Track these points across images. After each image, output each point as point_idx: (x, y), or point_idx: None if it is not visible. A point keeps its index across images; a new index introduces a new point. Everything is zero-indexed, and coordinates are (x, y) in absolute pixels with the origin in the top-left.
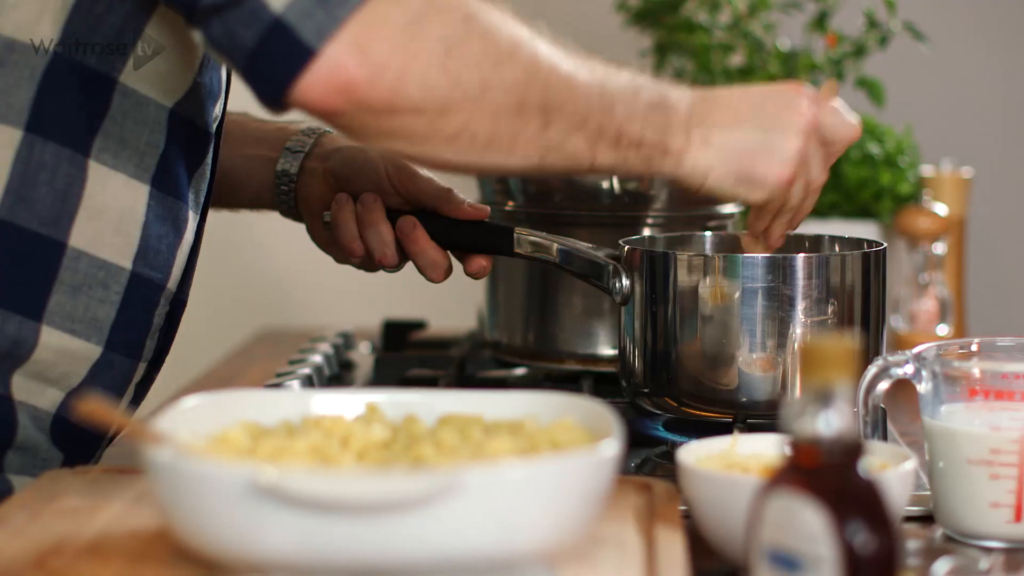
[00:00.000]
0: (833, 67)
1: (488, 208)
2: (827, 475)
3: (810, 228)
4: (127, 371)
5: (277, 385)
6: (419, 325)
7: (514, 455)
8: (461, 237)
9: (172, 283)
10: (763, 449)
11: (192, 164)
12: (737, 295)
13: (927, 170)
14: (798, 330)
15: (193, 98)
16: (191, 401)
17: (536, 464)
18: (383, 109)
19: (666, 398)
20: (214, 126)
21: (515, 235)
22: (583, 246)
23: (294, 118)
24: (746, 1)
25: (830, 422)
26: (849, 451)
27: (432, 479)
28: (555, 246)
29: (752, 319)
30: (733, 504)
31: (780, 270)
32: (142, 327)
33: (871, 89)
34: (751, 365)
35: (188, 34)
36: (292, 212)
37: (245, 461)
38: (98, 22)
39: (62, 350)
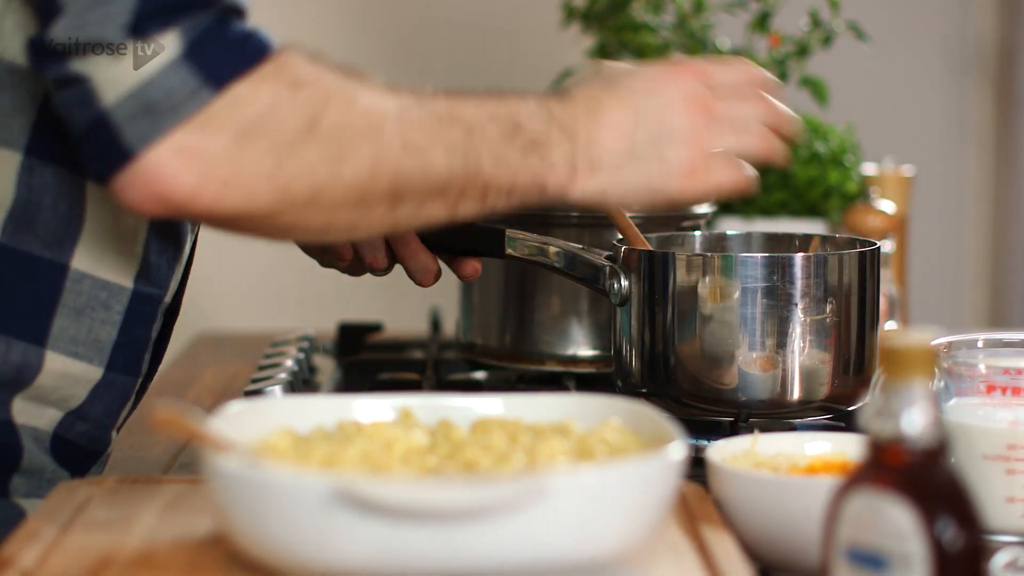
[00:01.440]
0: (777, 66)
1: None
2: (914, 473)
3: (762, 227)
4: (127, 389)
5: (258, 392)
6: (375, 327)
7: (568, 458)
8: (451, 240)
9: (169, 295)
10: (785, 448)
11: None
12: (736, 294)
13: (869, 169)
14: (797, 329)
15: None
16: (235, 407)
17: (618, 467)
18: (205, 216)
19: (665, 398)
20: None
21: (506, 237)
22: (576, 247)
23: None
24: (691, 1)
25: (914, 420)
26: (934, 448)
27: (518, 484)
28: (549, 248)
29: (752, 318)
30: (776, 504)
31: (779, 269)
32: (142, 344)
33: (815, 88)
34: (751, 364)
35: None
36: None
37: (315, 469)
38: None
39: (65, 374)
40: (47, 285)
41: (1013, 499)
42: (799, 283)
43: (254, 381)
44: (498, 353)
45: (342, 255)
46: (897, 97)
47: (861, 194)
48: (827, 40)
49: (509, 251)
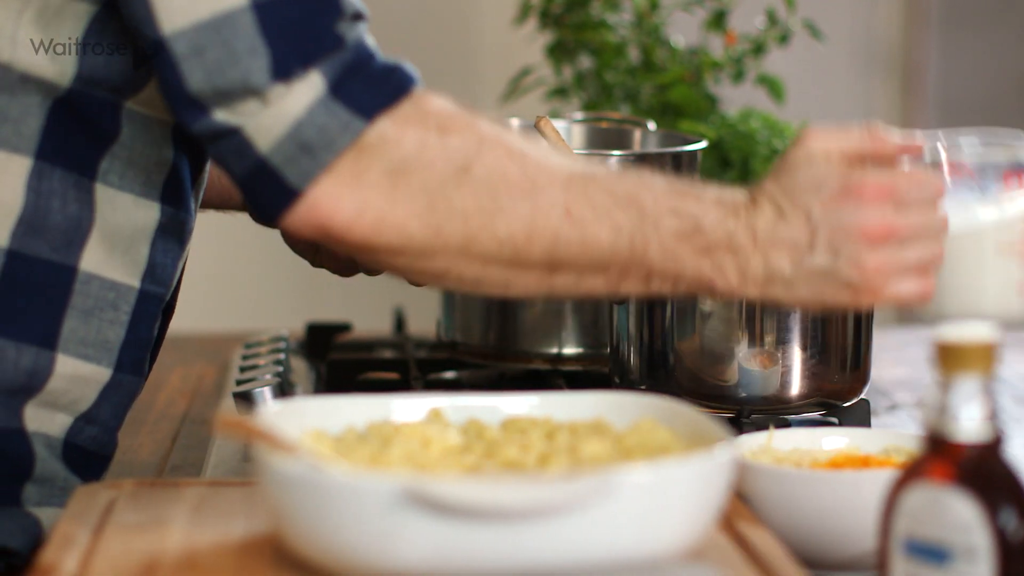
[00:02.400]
0: (733, 64)
1: None
2: (975, 465)
3: None
4: (133, 390)
5: (246, 394)
6: (344, 327)
7: (609, 457)
8: None
9: (169, 293)
10: (801, 444)
11: (195, 172)
12: None
13: None
14: (796, 325)
15: None
16: (274, 407)
17: (681, 465)
18: (362, 248)
19: (664, 394)
20: None
21: None
22: None
23: None
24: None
25: (973, 414)
26: (993, 441)
27: (587, 483)
28: None
29: (751, 314)
30: (811, 500)
31: None
32: (147, 344)
33: (771, 86)
34: (751, 360)
35: None
36: None
37: (381, 470)
38: (109, 59)
39: (75, 376)
40: (56, 288)
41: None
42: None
43: (239, 383)
44: (482, 351)
45: (336, 255)
46: (812, 93)
47: None
48: (783, 38)
49: None
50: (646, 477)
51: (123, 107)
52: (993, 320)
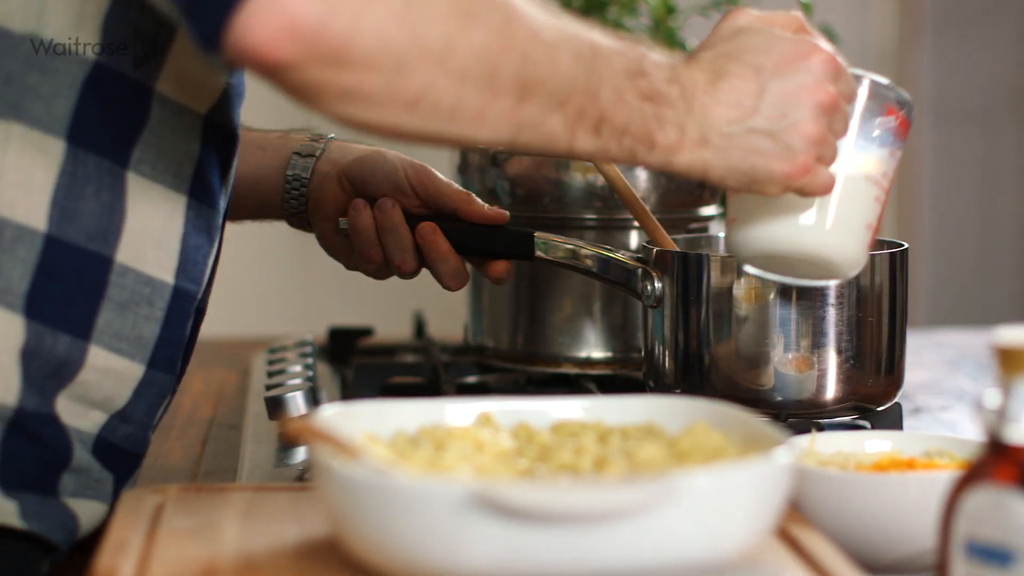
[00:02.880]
0: None
1: (507, 213)
2: None
3: None
4: (166, 389)
5: (277, 399)
6: (366, 332)
7: (664, 461)
8: (480, 242)
9: (201, 293)
10: (844, 446)
11: (223, 170)
12: (772, 295)
13: None
14: (832, 329)
15: (224, 102)
16: (330, 409)
17: (745, 468)
18: (333, 59)
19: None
20: (239, 128)
21: (535, 240)
22: (606, 250)
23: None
24: (661, 2)
25: None
26: None
27: (651, 487)
28: (579, 250)
29: (786, 319)
30: (858, 503)
31: None
32: (180, 342)
33: None
34: (787, 364)
35: None
36: (301, 220)
37: (448, 475)
38: (133, 29)
39: (107, 370)
40: (93, 278)
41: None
42: (833, 284)
43: (269, 388)
44: (511, 356)
45: (372, 257)
46: None
47: None
48: None
49: (539, 254)
50: (712, 480)
51: (154, 90)
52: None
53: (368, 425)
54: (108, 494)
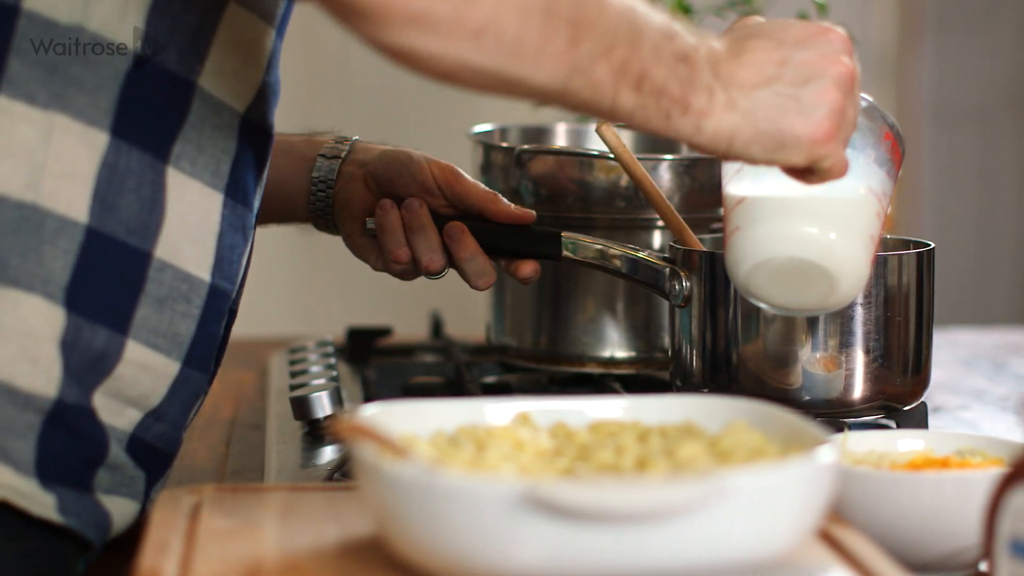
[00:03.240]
0: None
1: (534, 213)
2: None
3: None
4: (200, 388)
5: (302, 399)
6: (384, 332)
7: (707, 460)
8: (507, 242)
9: (235, 291)
10: (876, 446)
11: (258, 170)
12: None
13: None
14: (860, 329)
15: (261, 100)
16: (370, 409)
17: (793, 466)
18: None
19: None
20: (274, 129)
21: (563, 239)
22: (634, 249)
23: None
24: (678, 3)
25: None
26: None
27: (701, 486)
28: (607, 250)
29: (815, 318)
30: (894, 502)
31: None
32: (215, 341)
33: None
34: (814, 364)
35: (258, 30)
36: (327, 222)
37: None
38: (176, 21)
39: (144, 366)
40: (132, 272)
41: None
42: (827, 312)
43: (294, 388)
44: (534, 355)
45: (399, 258)
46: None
47: None
48: None
49: (566, 253)
50: (761, 479)
51: (195, 85)
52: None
53: (407, 425)
54: (140, 492)
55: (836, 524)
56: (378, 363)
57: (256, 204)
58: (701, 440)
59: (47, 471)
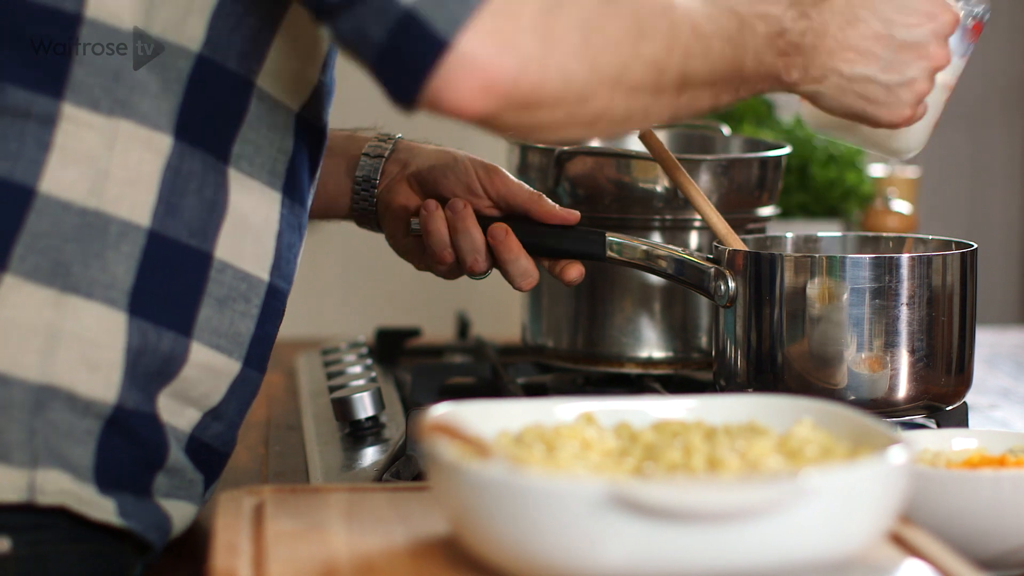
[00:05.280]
0: None
1: (578, 213)
2: None
3: (782, 228)
4: (256, 387)
5: (344, 400)
6: (414, 332)
7: (777, 459)
8: (551, 242)
9: (290, 289)
10: (930, 445)
11: (312, 168)
12: (845, 295)
13: (876, 170)
14: (904, 329)
15: (316, 99)
16: (439, 409)
17: (870, 465)
18: (524, 105)
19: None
20: (328, 127)
21: (607, 240)
22: (678, 250)
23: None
24: None
25: None
26: None
27: (784, 485)
28: (652, 251)
29: (860, 318)
30: (952, 500)
31: (888, 270)
32: (271, 340)
33: None
34: (860, 364)
35: (316, 32)
36: (370, 220)
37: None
38: (239, 22)
39: (207, 367)
40: (193, 274)
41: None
42: (906, 283)
43: (333, 389)
44: (571, 356)
45: (444, 258)
46: None
47: (875, 195)
48: None
49: (610, 254)
50: (842, 478)
51: (254, 85)
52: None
53: (476, 424)
54: (199, 496)
55: (900, 522)
56: (408, 363)
57: (309, 203)
58: (769, 439)
59: (106, 476)
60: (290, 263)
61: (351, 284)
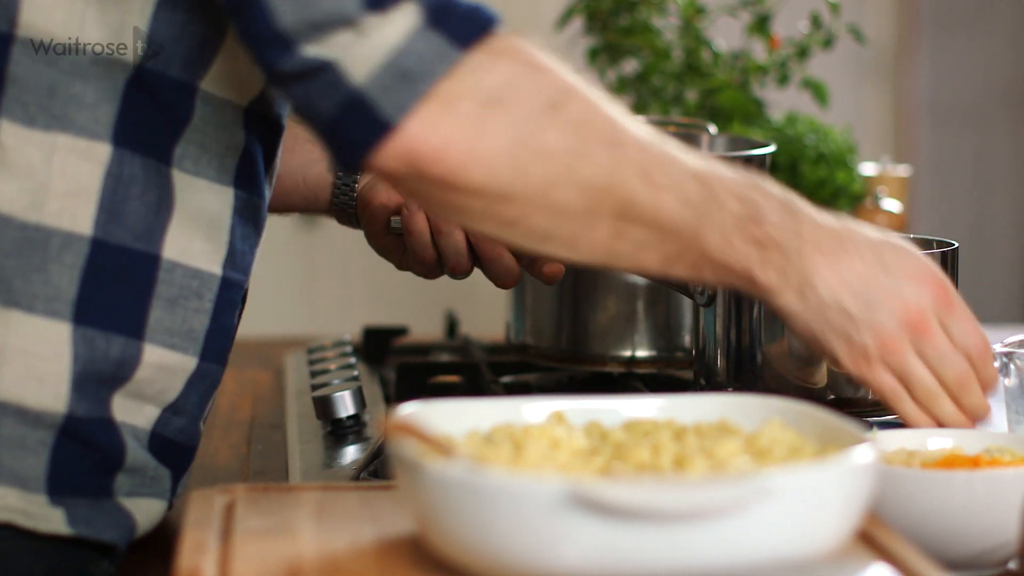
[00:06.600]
0: (778, 69)
1: None
2: None
3: None
4: (216, 379)
5: (325, 399)
6: (401, 331)
7: (745, 458)
8: None
9: (248, 280)
10: (906, 444)
11: (268, 159)
12: None
13: (867, 169)
14: None
15: (266, 94)
16: (409, 408)
17: (834, 465)
18: (439, 181)
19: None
20: (285, 118)
21: None
22: None
23: None
24: (691, 3)
25: None
26: None
27: (747, 484)
28: None
29: None
30: (924, 500)
31: None
32: (229, 332)
33: (816, 90)
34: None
35: None
36: (350, 217)
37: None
38: (181, 32)
39: (162, 366)
40: (141, 277)
41: None
42: None
43: (315, 388)
44: (555, 355)
45: (424, 259)
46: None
47: (866, 194)
48: (828, 42)
49: None
50: (806, 478)
51: (198, 89)
52: None
53: (443, 424)
54: (166, 491)
55: (871, 523)
56: (395, 362)
57: (268, 192)
58: (738, 439)
59: (59, 484)
60: (246, 255)
61: (344, 283)
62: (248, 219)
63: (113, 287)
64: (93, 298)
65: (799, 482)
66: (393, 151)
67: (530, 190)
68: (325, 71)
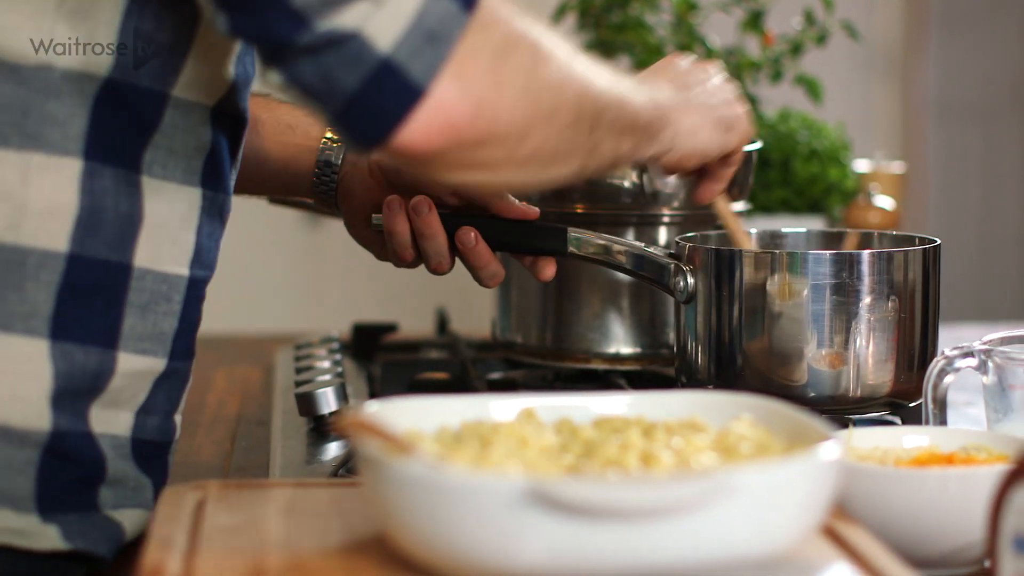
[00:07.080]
0: (772, 65)
1: (537, 210)
2: None
3: (763, 224)
4: (186, 374)
5: (307, 395)
6: (390, 328)
7: (712, 455)
8: (512, 237)
9: (213, 273)
10: (881, 442)
11: (233, 154)
12: (805, 291)
13: (861, 165)
14: (864, 325)
15: (232, 92)
16: (374, 406)
17: (798, 462)
18: (475, 143)
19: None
20: (248, 111)
21: (568, 235)
22: (639, 246)
23: None
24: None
25: None
26: None
27: (707, 481)
28: (612, 246)
29: (820, 315)
30: (898, 498)
31: (848, 266)
32: (195, 327)
33: (809, 87)
34: (819, 360)
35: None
36: (330, 205)
37: (502, 470)
38: (150, 40)
39: (134, 373)
40: (114, 287)
41: None
42: (867, 280)
43: (299, 384)
44: (539, 352)
45: (405, 258)
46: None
47: (858, 191)
48: (821, 39)
49: (571, 249)
50: (766, 475)
51: (169, 96)
52: None
53: (412, 421)
54: (148, 500)
55: (841, 520)
56: (384, 359)
57: (232, 184)
58: (706, 436)
59: (48, 502)
60: (211, 251)
61: (336, 280)
62: (214, 215)
63: (88, 300)
64: (69, 312)
65: (759, 479)
66: (425, 120)
67: (542, 119)
68: (348, 42)
